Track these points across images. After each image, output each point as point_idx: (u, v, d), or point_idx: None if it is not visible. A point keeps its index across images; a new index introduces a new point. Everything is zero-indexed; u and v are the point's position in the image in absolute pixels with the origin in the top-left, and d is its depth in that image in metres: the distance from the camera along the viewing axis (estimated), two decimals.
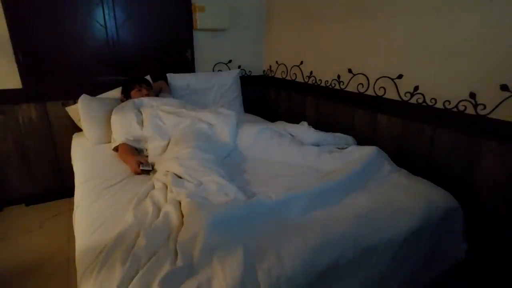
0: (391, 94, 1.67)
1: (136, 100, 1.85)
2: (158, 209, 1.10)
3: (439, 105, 1.45)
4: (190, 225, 0.97)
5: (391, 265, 1.07)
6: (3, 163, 2.04)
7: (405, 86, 1.59)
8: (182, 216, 1.04)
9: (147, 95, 1.95)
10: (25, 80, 1.95)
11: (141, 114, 1.75)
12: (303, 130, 1.73)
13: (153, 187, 1.26)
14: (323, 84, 2.13)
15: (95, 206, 1.18)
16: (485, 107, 1.29)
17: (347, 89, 1.94)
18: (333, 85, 2.04)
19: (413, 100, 1.56)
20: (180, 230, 0.98)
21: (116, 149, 1.66)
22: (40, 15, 1.91)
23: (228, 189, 1.16)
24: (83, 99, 1.89)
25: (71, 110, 2.03)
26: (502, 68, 1.22)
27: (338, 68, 1.98)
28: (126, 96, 1.98)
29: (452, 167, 1.45)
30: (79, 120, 1.96)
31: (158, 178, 1.30)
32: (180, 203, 1.10)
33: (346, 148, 1.68)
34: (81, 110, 1.87)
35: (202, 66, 2.47)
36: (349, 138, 1.75)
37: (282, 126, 1.84)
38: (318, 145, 1.64)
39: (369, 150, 1.44)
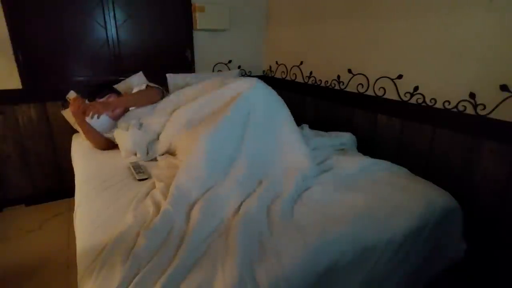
0: (391, 95, 1.67)
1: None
2: (158, 209, 1.10)
3: (439, 105, 1.46)
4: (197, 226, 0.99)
5: (390, 265, 1.07)
6: (3, 163, 2.04)
7: (405, 86, 1.59)
8: (184, 216, 1.05)
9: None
10: (25, 80, 1.95)
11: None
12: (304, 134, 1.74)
13: (154, 187, 1.26)
14: (323, 84, 2.13)
15: (96, 206, 1.18)
16: (485, 107, 1.29)
17: (347, 89, 1.94)
18: (333, 85, 2.04)
19: (413, 100, 1.56)
20: (181, 230, 0.99)
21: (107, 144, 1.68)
22: (40, 16, 1.91)
23: (232, 197, 1.16)
24: None
25: (67, 112, 2.01)
26: (502, 68, 1.22)
27: (338, 68, 1.98)
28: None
29: (452, 167, 1.45)
30: (75, 122, 1.95)
31: (160, 179, 1.30)
32: (185, 204, 1.11)
33: (344, 148, 1.69)
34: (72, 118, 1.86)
35: (202, 66, 2.47)
36: (347, 136, 1.74)
37: None
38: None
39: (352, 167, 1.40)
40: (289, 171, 1.31)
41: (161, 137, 1.61)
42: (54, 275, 1.55)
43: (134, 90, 1.89)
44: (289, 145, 1.42)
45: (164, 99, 1.79)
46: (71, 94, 1.61)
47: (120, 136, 1.60)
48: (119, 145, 1.62)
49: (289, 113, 1.57)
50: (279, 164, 1.36)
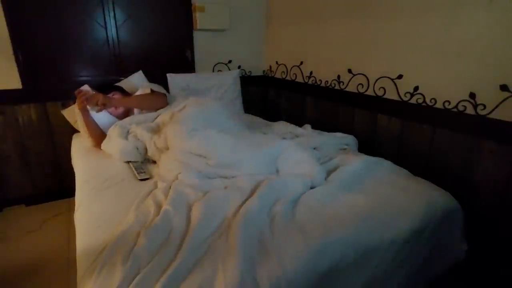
0: (391, 94, 1.67)
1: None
2: (159, 209, 1.10)
3: (439, 105, 1.46)
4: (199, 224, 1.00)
5: (392, 266, 1.07)
6: (3, 163, 2.04)
7: (405, 86, 1.59)
8: (185, 216, 1.05)
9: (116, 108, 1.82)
10: (25, 80, 1.95)
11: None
12: (307, 133, 1.75)
13: (156, 187, 1.26)
14: (323, 84, 2.13)
15: (96, 206, 1.18)
16: (485, 107, 1.29)
17: (347, 89, 1.94)
18: (333, 85, 2.04)
19: (413, 100, 1.56)
20: (181, 230, 0.99)
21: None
22: (40, 15, 1.91)
23: (232, 197, 1.16)
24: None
25: (67, 112, 2.02)
26: (502, 68, 1.22)
27: (338, 68, 1.98)
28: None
29: (452, 167, 1.45)
30: (75, 122, 1.96)
31: (163, 179, 1.30)
32: (185, 204, 1.11)
33: (346, 148, 1.69)
34: (78, 113, 1.85)
35: (202, 66, 2.48)
36: (350, 138, 1.75)
37: (285, 127, 1.85)
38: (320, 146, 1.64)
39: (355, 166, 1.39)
40: (297, 175, 1.30)
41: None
42: (54, 275, 1.55)
43: (138, 93, 1.88)
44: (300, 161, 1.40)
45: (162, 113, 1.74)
46: (85, 87, 1.74)
47: (108, 145, 1.57)
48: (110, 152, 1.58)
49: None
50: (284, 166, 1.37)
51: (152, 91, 1.86)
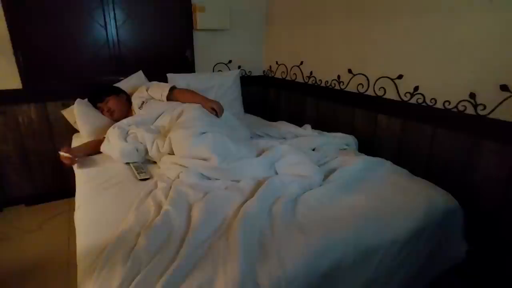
0: (391, 94, 1.67)
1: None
2: (159, 209, 1.10)
3: (439, 105, 1.46)
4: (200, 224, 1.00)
5: (392, 266, 1.07)
6: (3, 163, 2.04)
7: (405, 86, 1.60)
8: (185, 216, 1.05)
9: (112, 112, 1.85)
10: (25, 80, 1.95)
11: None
12: (307, 134, 1.76)
13: (156, 186, 1.26)
14: (323, 84, 2.13)
15: (97, 206, 1.18)
16: (485, 107, 1.29)
17: (347, 89, 1.95)
18: (333, 85, 2.04)
19: (413, 100, 1.56)
20: (181, 230, 0.99)
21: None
22: (40, 16, 1.91)
23: (232, 197, 1.16)
24: (79, 103, 1.88)
25: (67, 112, 2.02)
26: (502, 68, 1.22)
27: (338, 68, 1.98)
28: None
29: (452, 167, 1.45)
30: (75, 122, 1.96)
31: (163, 179, 1.30)
32: (186, 204, 1.11)
33: (346, 148, 1.69)
34: (77, 114, 1.85)
35: (202, 66, 2.48)
36: (350, 138, 1.75)
37: (284, 127, 1.85)
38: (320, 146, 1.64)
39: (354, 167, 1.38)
40: (295, 176, 1.30)
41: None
42: (54, 275, 1.55)
43: (138, 91, 1.90)
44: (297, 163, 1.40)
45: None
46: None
47: (107, 147, 1.56)
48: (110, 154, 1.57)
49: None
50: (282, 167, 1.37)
51: (173, 88, 1.87)
